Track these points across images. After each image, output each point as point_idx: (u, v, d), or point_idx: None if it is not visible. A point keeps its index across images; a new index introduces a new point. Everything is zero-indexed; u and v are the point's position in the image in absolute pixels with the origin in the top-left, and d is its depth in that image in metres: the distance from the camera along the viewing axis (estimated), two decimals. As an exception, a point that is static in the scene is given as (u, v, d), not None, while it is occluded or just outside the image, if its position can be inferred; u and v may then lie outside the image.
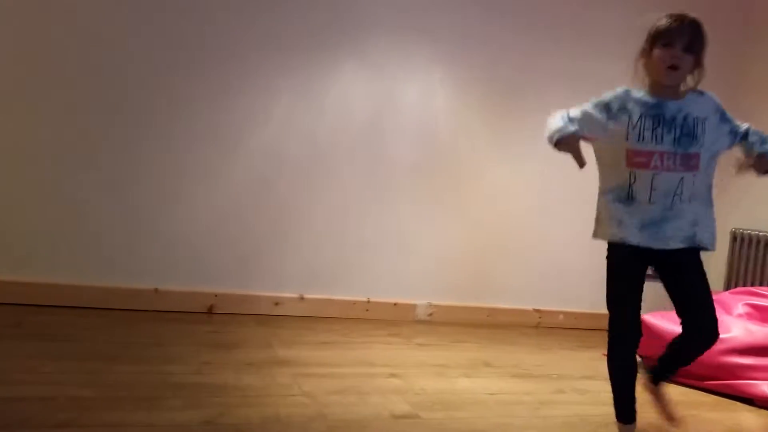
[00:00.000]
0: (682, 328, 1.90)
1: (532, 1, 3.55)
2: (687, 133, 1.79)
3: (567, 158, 3.66)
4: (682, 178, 1.79)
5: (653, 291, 3.87)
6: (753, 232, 3.59)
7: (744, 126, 1.88)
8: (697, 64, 1.80)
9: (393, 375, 2.43)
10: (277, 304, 3.21)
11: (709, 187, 1.86)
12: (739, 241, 3.65)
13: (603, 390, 2.52)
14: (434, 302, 3.49)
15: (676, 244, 1.81)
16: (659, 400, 2.03)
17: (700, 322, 1.86)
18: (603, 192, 1.90)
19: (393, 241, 3.41)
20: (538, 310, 3.68)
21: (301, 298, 3.26)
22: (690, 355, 1.98)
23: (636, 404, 1.92)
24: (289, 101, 3.20)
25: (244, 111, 3.14)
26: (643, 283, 1.89)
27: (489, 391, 2.37)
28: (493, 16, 3.48)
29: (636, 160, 1.79)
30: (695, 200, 1.81)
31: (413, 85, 3.39)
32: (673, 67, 1.77)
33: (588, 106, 1.86)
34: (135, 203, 3.01)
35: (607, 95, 1.85)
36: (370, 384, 2.29)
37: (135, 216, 3.01)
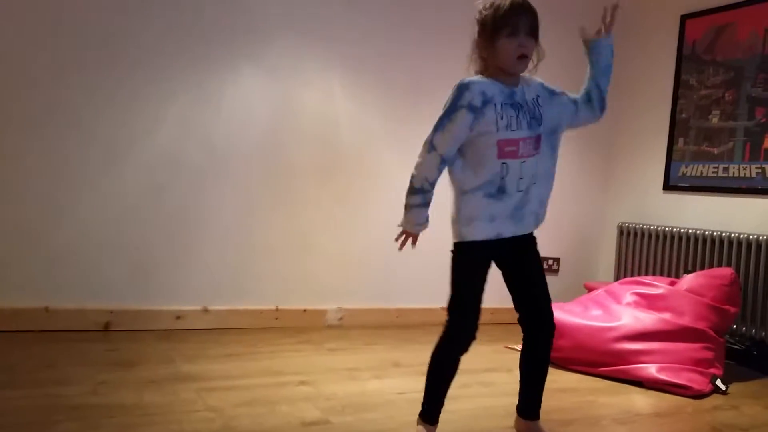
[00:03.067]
0: (527, 322, 1.88)
1: (426, 9, 3.63)
2: (533, 116, 1.78)
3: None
4: (536, 161, 1.79)
5: (550, 285, 4.03)
6: (638, 226, 3.85)
7: (573, 95, 1.89)
8: (536, 45, 1.78)
9: (303, 382, 2.41)
10: (178, 317, 3.09)
11: (554, 164, 1.86)
12: (626, 234, 3.90)
13: (505, 381, 2.63)
14: (344, 306, 3.48)
15: (530, 228, 1.83)
16: None
17: (546, 314, 1.87)
18: (470, 190, 1.79)
19: (299, 247, 3.38)
20: (444, 309, 3.75)
21: (205, 310, 3.16)
22: (544, 356, 1.91)
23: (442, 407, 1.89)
24: (184, 105, 3.10)
25: (135, 116, 3.01)
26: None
27: (398, 390, 2.40)
28: (388, 22, 3.53)
29: (507, 149, 1.74)
30: (540, 180, 1.81)
31: (311, 88, 3.37)
32: (523, 56, 1.74)
33: (454, 125, 1.75)
34: (18, 216, 2.81)
35: (466, 95, 1.74)
36: (278, 393, 2.26)
37: (19, 230, 2.81)
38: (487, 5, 1.76)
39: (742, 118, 3.50)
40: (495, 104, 1.74)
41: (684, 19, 3.82)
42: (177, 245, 3.10)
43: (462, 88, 1.76)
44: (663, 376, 2.67)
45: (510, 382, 2.63)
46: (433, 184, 1.81)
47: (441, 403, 1.88)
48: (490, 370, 2.79)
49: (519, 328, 3.52)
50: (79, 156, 2.91)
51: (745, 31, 3.52)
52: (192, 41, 3.09)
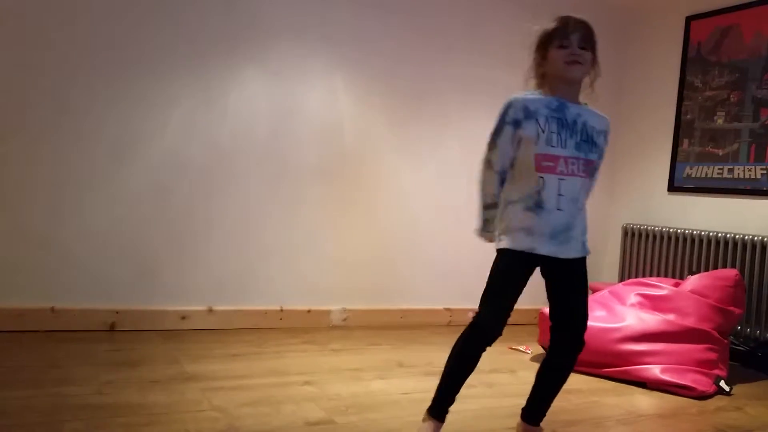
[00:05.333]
0: (558, 335, 1.89)
1: (427, 13, 3.64)
2: (586, 139, 1.82)
3: (468, 161, 3.80)
4: (581, 184, 1.81)
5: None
6: (642, 227, 3.84)
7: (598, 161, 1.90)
8: (594, 60, 1.82)
9: (307, 382, 2.41)
10: (183, 318, 3.11)
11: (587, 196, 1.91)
12: (630, 235, 3.90)
13: (509, 383, 2.63)
14: (348, 307, 3.49)
15: (574, 253, 1.83)
16: None
17: (576, 339, 1.87)
18: (511, 202, 1.84)
19: (303, 248, 3.39)
20: (448, 309, 3.77)
21: (210, 311, 3.17)
22: (563, 372, 1.92)
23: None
24: (189, 108, 3.11)
25: (141, 119, 3.02)
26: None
27: (402, 390, 2.41)
28: (390, 26, 3.54)
29: (544, 164, 1.78)
30: (583, 208, 1.85)
31: (315, 91, 3.39)
32: (574, 62, 1.78)
33: (501, 140, 1.82)
34: (25, 217, 2.83)
35: (510, 112, 1.81)
36: (283, 393, 2.26)
37: (26, 231, 2.82)
38: (546, 24, 1.84)
39: (747, 120, 3.49)
40: (538, 118, 1.79)
41: (689, 20, 3.82)
42: (182, 246, 3.12)
43: (507, 106, 1.83)
44: (667, 377, 2.67)
45: (513, 383, 2.64)
46: (497, 196, 1.89)
47: (452, 400, 1.88)
48: (494, 371, 2.79)
49: (524, 330, 3.54)
50: (85, 158, 2.93)
51: (750, 33, 3.51)
52: (197, 45, 3.11)
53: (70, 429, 1.80)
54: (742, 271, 3.23)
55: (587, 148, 1.81)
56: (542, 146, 1.77)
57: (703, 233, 3.50)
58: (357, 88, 3.48)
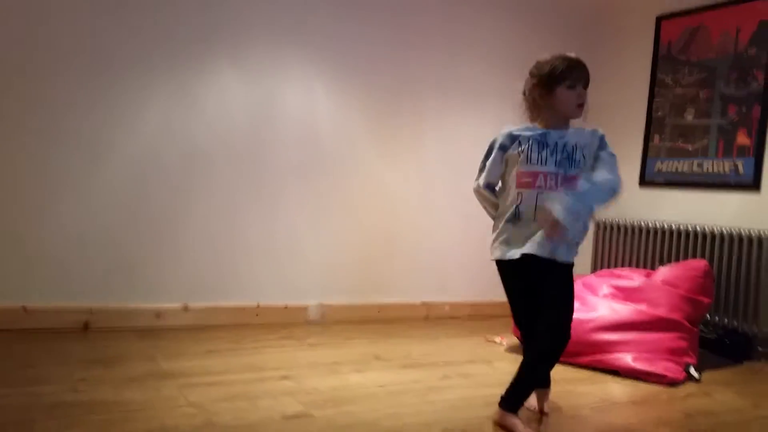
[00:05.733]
0: (539, 329, 2.00)
1: (405, 14, 3.65)
2: (567, 157, 1.99)
3: (445, 159, 3.84)
4: (560, 196, 1.93)
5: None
6: (614, 220, 3.91)
7: (600, 170, 2.00)
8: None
9: (284, 377, 2.41)
10: (158, 315, 3.08)
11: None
12: (603, 228, 3.97)
13: (485, 373, 2.67)
14: (325, 302, 3.50)
15: (545, 252, 1.96)
16: (516, 428, 1.99)
17: (540, 333, 2.01)
18: (498, 216, 2.09)
19: (280, 244, 3.38)
20: (425, 303, 3.79)
21: (185, 308, 3.15)
22: (526, 361, 2.06)
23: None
24: (166, 106, 3.08)
25: (117, 117, 2.98)
26: (533, 290, 2.03)
27: (379, 383, 2.42)
28: (368, 26, 3.54)
29: (524, 180, 2.00)
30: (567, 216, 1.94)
31: (293, 90, 3.38)
32: (581, 105, 2.01)
33: (490, 161, 2.07)
34: (-6, 216, 2.78)
35: (498, 139, 2.06)
36: (260, 388, 2.26)
37: (-5, 230, 2.78)
38: (548, 60, 2.01)
39: (715, 116, 3.57)
40: (521, 142, 2.01)
41: (659, 20, 3.89)
42: (157, 244, 3.09)
43: (496, 138, 2.08)
44: (639, 366, 2.72)
45: (489, 373, 2.67)
46: (497, 206, 2.11)
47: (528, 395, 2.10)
48: (470, 362, 2.82)
49: (500, 322, 3.59)
50: (60, 156, 2.89)
51: (717, 33, 3.59)
52: (175, 43, 3.08)
53: (43, 428, 1.78)
54: (711, 261, 3.31)
55: (567, 164, 1.99)
56: (523, 164, 2.00)
57: (673, 226, 3.57)
58: (335, 88, 3.48)
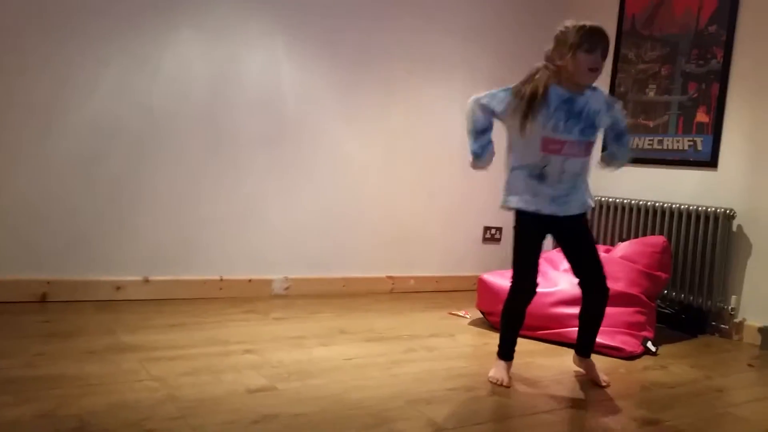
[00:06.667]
0: (583, 288, 2.30)
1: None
2: (590, 124, 2.16)
3: (412, 129, 3.78)
4: (583, 162, 2.19)
5: (492, 253, 4.14)
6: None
7: (621, 125, 2.30)
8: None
9: (248, 351, 2.40)
10: (118, 288, 3.02)
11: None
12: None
13: (448, 346, 2.69)
14: (290, 276, 3.47)
15: (575, 210, 2.21)
16: (589, 370, 2.39)
17: (598, 280, 2.27)
18: (517, 167, 2.20)
19: (243, 217, 3.33)
20: (391, 277, 3.80)
21: (146, 281, 3.09)
22: (597, 312, 2.33)
23: (515, 347, 2.32)
24: (120, 70, 2.97)
25: (70, 82, 2.87)
26: (542, 247, 2.26)
27: (345, 356, 2.43)
28: (336, -12, 3.48)
29: (551, 147, 2.13)
30: (586, 174, 2.25)
31: (256, 53, 3.29)
32: (594, 69, 2.11)
33: (496, 98, 2.17)
34: (-57, 185, 2.66)
35: (518, 85, 2.15)
36: (224, 362, 2.25)
37: (-56, 199, 2.66)
38: (573, 24, 2.11)
39: (676, 93, 3.63)
40: (549, 106, 2.10)
41: (624, -7, 3.91)
42: (116, 215, 3.01)
43: (523, 82, 2.17)
44: (598, 339, 2.78)
45: (453, 346, 2.71)
46: (476, 130, 2.23)
47: (514, 343, 2.31)
48: (434, 336, 2.85)
49: (464, 296, 3.63)
50: (12, 124, 2.77)
51: (681, 8, 3.63)
52: (129, 4, 2.96)
53: (-2, 402, 1.73)
54: (669, 237, 3.39)
55: (590, 132, 2.16)
56: (549, 132, 2.10)
57: (633, 202, 3.64)
58: (299, 52, 3.41)
